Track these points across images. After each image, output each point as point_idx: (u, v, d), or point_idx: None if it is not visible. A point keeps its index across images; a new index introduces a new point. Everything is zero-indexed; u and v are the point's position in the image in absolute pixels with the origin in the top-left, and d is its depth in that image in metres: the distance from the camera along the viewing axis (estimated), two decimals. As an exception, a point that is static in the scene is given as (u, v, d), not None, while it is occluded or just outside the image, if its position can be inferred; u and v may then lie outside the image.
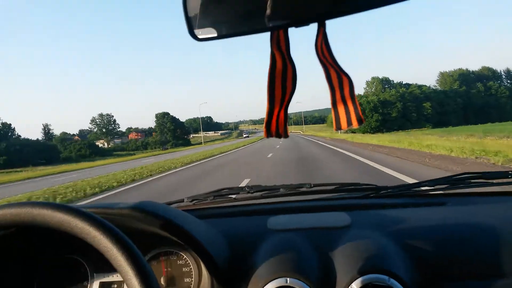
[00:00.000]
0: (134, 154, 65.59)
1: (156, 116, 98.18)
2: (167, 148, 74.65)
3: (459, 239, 0.78)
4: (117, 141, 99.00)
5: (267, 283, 0.68)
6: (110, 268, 0.83)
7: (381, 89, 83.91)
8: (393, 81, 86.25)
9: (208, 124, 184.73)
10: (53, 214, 0.47)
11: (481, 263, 0.73)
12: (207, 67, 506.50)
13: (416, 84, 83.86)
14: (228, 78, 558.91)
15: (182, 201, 1.25)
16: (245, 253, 0.81)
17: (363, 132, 65.97)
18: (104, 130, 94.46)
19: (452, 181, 1.13)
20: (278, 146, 22.32)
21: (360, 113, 0.49)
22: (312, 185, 1.24)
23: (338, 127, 0.51)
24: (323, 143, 22.96)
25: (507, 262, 0.72)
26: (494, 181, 1.11)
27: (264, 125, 0.51)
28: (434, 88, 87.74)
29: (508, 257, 0.73)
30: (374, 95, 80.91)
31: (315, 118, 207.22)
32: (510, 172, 1.10)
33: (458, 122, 79.97)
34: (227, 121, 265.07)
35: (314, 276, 0.70)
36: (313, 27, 0.45)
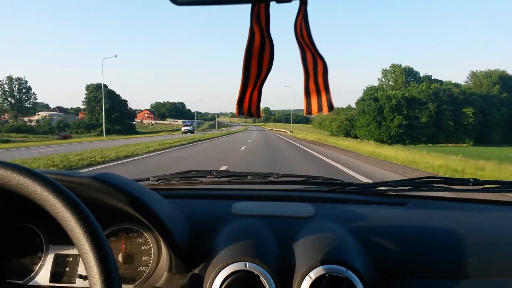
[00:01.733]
0: (12, 142, 39.81)
1: (87, 88, 68.60)
2: (67, 137, 46.33)
3: (417, 240, 0.81)
4: (36, 118, 71.95)
5: (226, 266, 0.68)
6: (67, 240, 0.80)
7: (403, 82, 59.88)
8: (418, 73, 62.43)
9: (179, 110, 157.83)
10: (11, 175, 0.45)
11: (434, 264, 0.75)
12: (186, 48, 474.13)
13: (450, 81, 60.62)
14: (209, 66, 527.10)
15: (148, 179, 1.26)
16: (207, 236, 0.81)
17: (376, 140, 42.79)
18: (12, 101, 66.79)
19: (415, 183, 1.15)
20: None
21: (332, 100, 0.49)
22: (279, 175, 1.26)
23: (309, 112, 0.51)
24: None
25: (457, 265, 0.75)
26: (456, 187, 1.13)
27: (236, 102, 0.49)
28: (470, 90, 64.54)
29: (459, 260, 0.75)
30: (394, 89, 56.87)
31: (299, 117, 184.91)
32: (471, 180, 1.11)
33: (500, 139, 57.81)
34: (206, 111, 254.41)
35: (274, 262, 0.70)
36: (295, 5, 0.44)
